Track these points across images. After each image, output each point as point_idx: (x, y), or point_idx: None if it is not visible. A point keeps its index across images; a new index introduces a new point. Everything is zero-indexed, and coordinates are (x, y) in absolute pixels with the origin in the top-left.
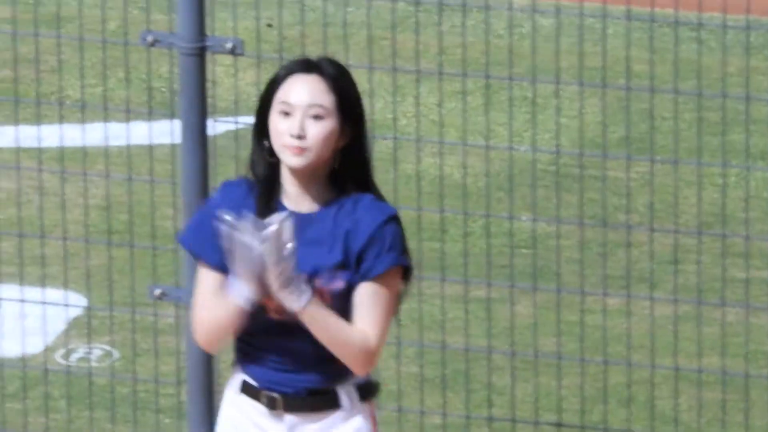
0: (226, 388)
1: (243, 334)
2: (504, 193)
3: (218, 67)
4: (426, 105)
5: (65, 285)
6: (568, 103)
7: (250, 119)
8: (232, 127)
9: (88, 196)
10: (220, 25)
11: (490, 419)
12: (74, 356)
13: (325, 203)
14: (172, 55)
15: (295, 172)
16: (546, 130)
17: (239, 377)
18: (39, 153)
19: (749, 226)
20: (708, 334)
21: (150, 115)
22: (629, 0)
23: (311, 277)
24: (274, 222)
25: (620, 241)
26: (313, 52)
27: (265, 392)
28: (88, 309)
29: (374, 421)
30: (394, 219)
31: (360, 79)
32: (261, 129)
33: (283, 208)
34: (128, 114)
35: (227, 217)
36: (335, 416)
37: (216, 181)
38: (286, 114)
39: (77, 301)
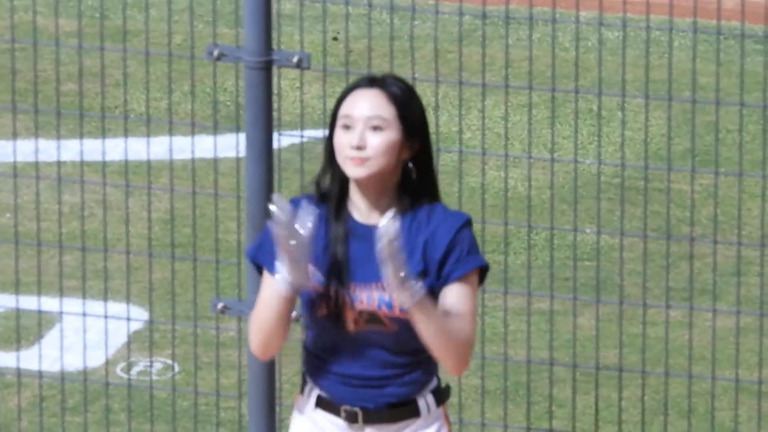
0: (296, 403)
1: (319, 350)
2: (568, 206)
3: (284, 80)
4: (491, 118)
5: (127, 299)
6: (633, 116)
7: (316, 133)
8: (297, 140)
9: (151, 210)
10: (286, 38)
11: (551, 431)
12: (135, 370)
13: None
14: (238, 69)
15: (361, 184)
16: (611, 143)
17: (314, 392)
18: (103, 166)
19: None
20: None
21: (215, 129)
22: (695, 13)
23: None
24: (384, 222)
25: (683, 254)
26: (380, 66)
27: (345, 407)
28: (150, 323)
29: (449, 423)
30: (469, 223)
31: (426, 92)
32: (330, 147)
33: (353, 221)
34: (193, 128)
35: (279, 201)
36: (415, 424)
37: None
38: (348, 127)
39: (139, 315)
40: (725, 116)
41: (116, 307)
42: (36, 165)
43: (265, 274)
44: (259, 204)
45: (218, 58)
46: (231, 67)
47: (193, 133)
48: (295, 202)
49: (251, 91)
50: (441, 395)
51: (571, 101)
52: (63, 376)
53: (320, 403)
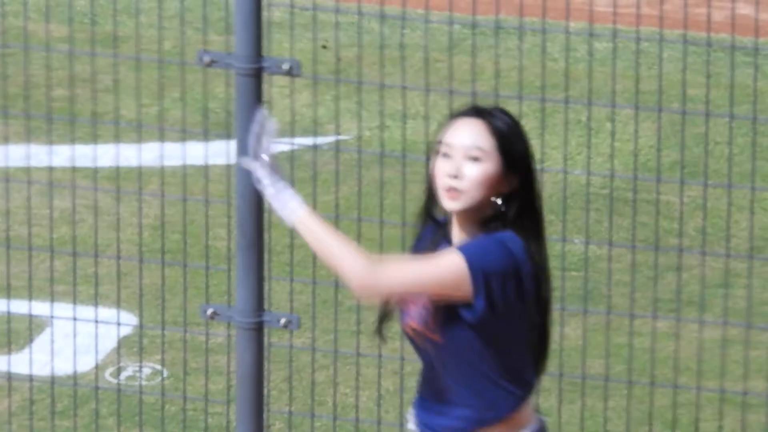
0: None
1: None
2: (556, 216)
3: (274, 88)
4: None
5: (117, 304)
6: (622, 127)
7: (305, 140)
8: (286, 148)
9: (141, 216)
10: (276, 46)
11: None
12: (124, 374)
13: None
14: (228, 76)
15: (456, 214)
16: (599, 154)
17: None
18: (94, 172)
19: None
20: (755, 357)
21: (205, 136)
22: (685, 25)
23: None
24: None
25: (671, 265)
26: (370, 75)
27: None
28: (139, 328)
29: None
30: (492, 236)
31: (415, 101)
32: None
33: (450, 243)
34: (184, 134)
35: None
36: None
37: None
38: (448, 156)
39: (128, 320)
40: (714, 128)
41: (106, 312)
42: (27, 170)
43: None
44: (249, 210)
45: (209, 65)
46: (221, 74)
47: (183, 140)
48: (424, 235)
49: (242, 98)
50: None
51: (560, 111)
52: (53, 380)
53: None
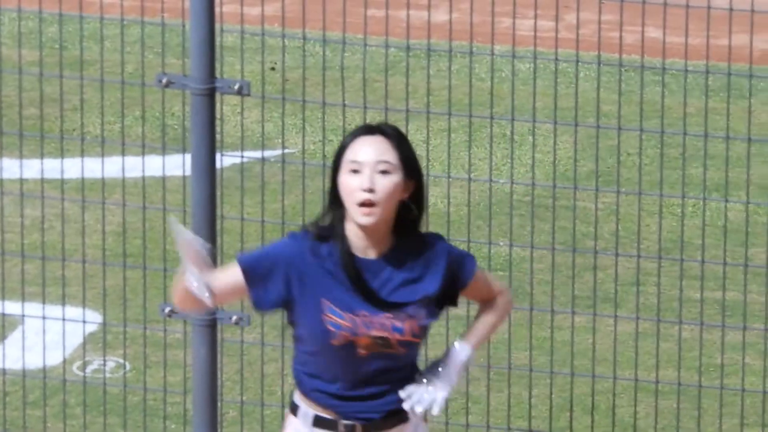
0: (290, 420)
1: (325, 375)
2: (483, 221)
3: (226, 106)
4: (414, 141)
5: (83, 303)
6: (543, 140)
7: (255, 154)
8: (237, 160)
9: (105, 223)
10: (228, 68)
11: (467, 426)
12: (90, 368)
13: (394, 247)
14: (185, 96)
15: (365, 228)
16: (522, 165)
17: (309, 414)
18: (61, 183)
19: (705, 252)
20: (665, 349)
21: (163, 150)
22: (599, 47)
23: (405, 312)
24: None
25: (588, 265)
26: (313, 93)
27: (344, 422)
28: (104, 325)
29: (426, 421)
30: (443, 238)
31: (355, 118)
32: (334, 192)
33: (356, 257)
34: (143, 148)
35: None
36: (405, 429)
37: (223, 210)
38: (356, 172)
39: (94, 318)
40: (626, 141)
41: (73, 311)
42: (0, 182)
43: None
44: (204, 218)
45: (166, 86)
46: (178, 94)
47: (143, 153)
48: (293, 237)
49: (196, 116)
50: None
51: (486, 126)
52: (24, 374)
53: (317, 422)
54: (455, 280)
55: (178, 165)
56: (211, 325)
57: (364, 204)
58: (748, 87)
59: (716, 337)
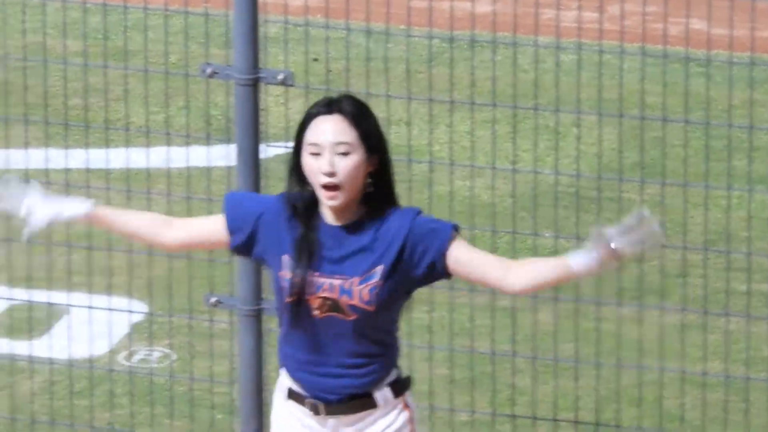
0: (276, 390)
1: (289, 337)
2: (528, 213)
3: (269, 96)
4: (458, 132)
5: (129, 293)
6: (587, 132)
7: None
8: (281, 151)
9: None
10: (272, 59)
11: (513, 417)
12: (136, 358)
13: (361, 218)
14: (229, 86)
15: (333, 208)
16: (567, 156)
17: (285, 384)
18: (107, 174)
19: (750, 244)
20: (712, 340)
21: (208, 140)
22: (644, 38)
23: (356, 277)
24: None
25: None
26: (356, 85)
27: (309, 399)
28: (150, 315)
29: (409, 409)
30: (420, 212)
31: (398, 108)
32: (296, 167)
33: (323, 223)
34: (188, 139)
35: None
36: (374, 415)
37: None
38: (316, 154)
39: (140, 308)
40: (671, 132)
41: (119, 301)
42: (46, 172)
43: (222, 221)
44: None
45: (211, 76)
46: (222, 84)
47: (188, 144)
48: (279, 196)
49: (240, 106)
50: (399, 387)
51: (530, 118)
52: (71, 363)
53: (291, 395)
54: (426, 250)
55: (223, 156)
56: (256, 315)
57: (327, 187)
58: None
59: (763, 330)
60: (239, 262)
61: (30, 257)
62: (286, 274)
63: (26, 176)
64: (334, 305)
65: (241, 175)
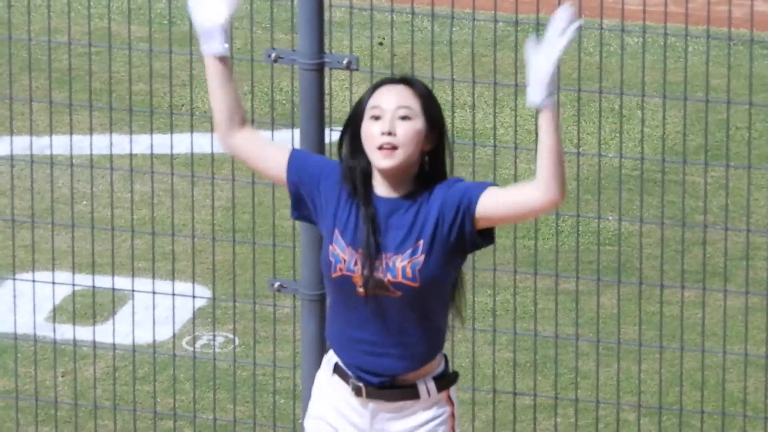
0: (323, 364)
1: (336, 313)
2: (592, 196)
3: (334, 81)
4: (522, 116)
5: (192, 278)
6: (651, 114)
7: None
8: None
9: (214, 198)
10: (337, 43)
11: (576, 400)
12: (199, 343)
13: (410, 194)
14: (293, 71)
15: (385, 173)
16: (631, 139)
17: (332, 359)
18: (171, 159)
19: None
20: None
21: (272, 125)
22: (708, 21)
23: (401, 254)
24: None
25: (697, 240)
26: (421, 69)
27: (353, 380)
28: (213, 300)
29: (451, 404)
30: (459, 180)
31: (463, 92)
32: (352, 141)
33: (375, 196)
34: (252, 123)
35: None
36: (415, 406)
37: None
38: (377, 118)
39: (203, 293)
40: (735, 115)
41: (182, 286)
42: (110, 157)
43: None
44: None
45: (275, 61)
46: (287, 69)
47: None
48: (328, 164)
49: (305, 91)
50: (445, 381)
51: (594, 101)
52: (134, 349)
53: (336, 370)
54: (458, 211)
55: (288, 140)
56: (319, 299)
57: (383, 147)
58: None
59: None
60: (302, 246)
61: (93, 243)
62: (335, 249)
63: (90, 162)
64: (378, 284)
65: None
